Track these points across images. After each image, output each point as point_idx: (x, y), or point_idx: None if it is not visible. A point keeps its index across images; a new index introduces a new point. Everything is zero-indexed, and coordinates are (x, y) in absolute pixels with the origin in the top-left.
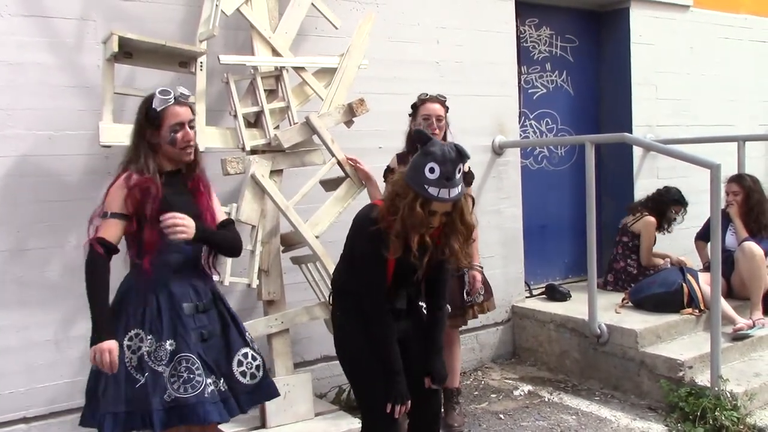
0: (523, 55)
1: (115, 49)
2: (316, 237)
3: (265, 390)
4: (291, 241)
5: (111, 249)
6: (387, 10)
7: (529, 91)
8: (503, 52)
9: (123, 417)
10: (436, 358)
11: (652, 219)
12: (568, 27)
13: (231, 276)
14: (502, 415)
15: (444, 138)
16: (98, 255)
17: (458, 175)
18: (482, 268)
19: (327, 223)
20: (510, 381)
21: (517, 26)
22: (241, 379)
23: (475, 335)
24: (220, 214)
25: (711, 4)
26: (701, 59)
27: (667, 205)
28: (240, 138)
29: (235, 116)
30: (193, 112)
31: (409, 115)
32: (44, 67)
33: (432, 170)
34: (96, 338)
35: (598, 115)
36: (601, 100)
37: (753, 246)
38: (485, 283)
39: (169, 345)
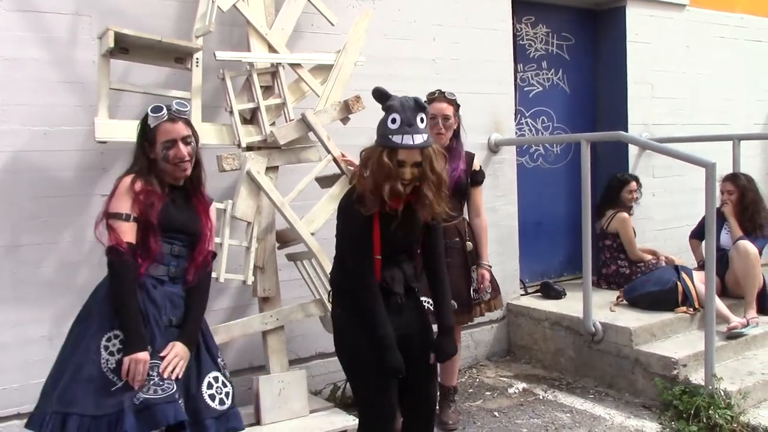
0: (520, 53)
1: (111, 44)
2: (312, 234)
3: (231, 419)
4: (286, 238)
5: (136, 251)
6: (383, 7)
7: (525, 89)
8: (499, 49)
9: (88, 421)
10: (443, 337)
11: (623, 214)
12: (564, 25)
13: (226, 273)
14: (496, 413)
15: (456, 137)
16: (127, 259)
17: (420, 124)
18: (491, 267)
19: (322, 220)
20: (505, 379)
21: (513, 24)
22: (209, 402)
23: (470, 333)
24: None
25: (707, 3)
26: (697, 58)
27: (615, 190)
28: (236, 134)
29: (231, 112)
30: (190, 125)
31: None
32: (39, 63)
33: (393, 120)
34: (131, 348)
35: (594, 114)
36: (597, 98)
37: (747, 245)
38: (493, 281)
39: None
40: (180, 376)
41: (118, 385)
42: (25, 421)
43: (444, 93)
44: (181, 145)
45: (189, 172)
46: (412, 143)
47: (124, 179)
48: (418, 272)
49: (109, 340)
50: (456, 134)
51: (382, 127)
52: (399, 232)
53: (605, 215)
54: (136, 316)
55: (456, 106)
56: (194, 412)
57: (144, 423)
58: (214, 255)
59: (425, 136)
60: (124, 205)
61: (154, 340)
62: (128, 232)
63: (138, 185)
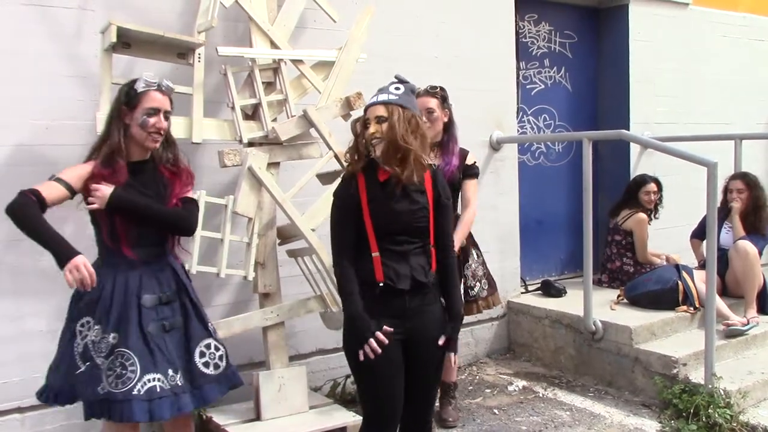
0: (522, 51)
1: (114, 39)
2: (312, 230)
3: (230, 378)
4: (287, 234)
5: (42, 202)
6: (386, 3)
7: (528, 86)
8: (502, 47)
9: (67, 394)
10: (453, 323)
11: (643, 215)
12: (567, 23)
13: (227, 268)
14: (496, 410)
15: (448, 130)
16: (28, 197)
17: (393, 89)
18: (482, 258)
19: (323, 217)
20: (504, 376)
21: (516, 22)
22: (204, 370)
23: (470, 330)
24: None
25: (710, 2)
26: (700, 57)
27: (633, 190)
28: (237, 130)
29: (233, 108)
30: (171, 106)
31: None
32: (42, 56)
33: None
34: (62, 260)
35: (596, 112)
36: (599, 96)
37: (747, 245)
38: (489, 277)
39: (112, 338)
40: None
41: (81, 369)
42: (25, 415)
43: (427, 88)
44: (162, 117)
45: (158, 145)
46: (375, 101)
47: (88, 160)
48: (430, 267)
49: (82, 325)
50: (447, 130)
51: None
52: (395, 207)
53: (620, 214)
54: (53, 233)
55: (440, 98)
56: (191, 381)
57: (98, 413)
58: (189, 200)
59: (392, 97)
60: (68, 173)
61: (129, 323)
62: (49, 189)
63: (99, 169)
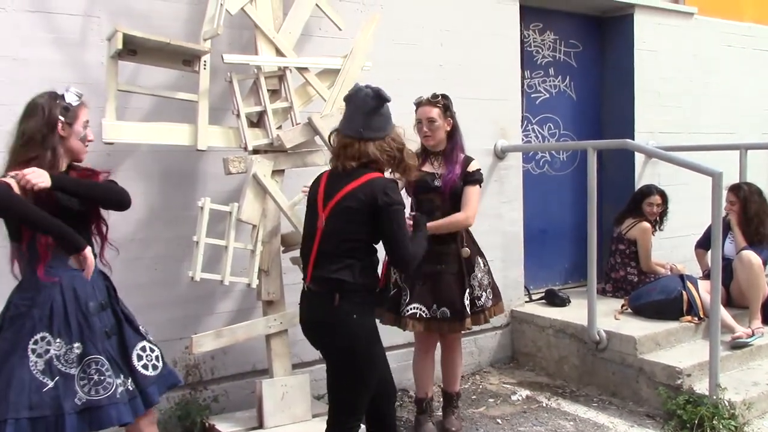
0: (527, 60)
1: (120, 46)
2: None
3: (167, 378)
4: (291, 242)
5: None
6: (391, 12)
7: (532, 95)
8: (507, 56)
9: (25, 423)
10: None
11: (646, 224)
12: (572, 32)
13: (231, 275)
14: (499, 420)
15: (451, 138)
16: (3, 183)
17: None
18: (488, 267)
19: None
20: (508, 386)
21: (521, 30)
22: (144, 372)
23: (473, 339)
24: None
25: (715, 12)
26: (704, 67)
27: (638, 201)
28: (242, 137)
29: (238, 115)
30: None
31: None
32: (48, 63)
33: None
34: (72, 248)
35: (601, 121)
36: (604, 105)
37: (751, 255)
38: (494, 286)
39: (77, 348)
40: (32, 184)
41: (49, 385)
42: None
43: (429, 97)
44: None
45: None
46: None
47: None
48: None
49: (36, 343)
50: (451, 138)
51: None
52: None
53: (624, 222)
54: (47, 218)
55: (442, 107)
56: (136, 385)
57: (86, 423)
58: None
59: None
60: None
61: (90, 330)
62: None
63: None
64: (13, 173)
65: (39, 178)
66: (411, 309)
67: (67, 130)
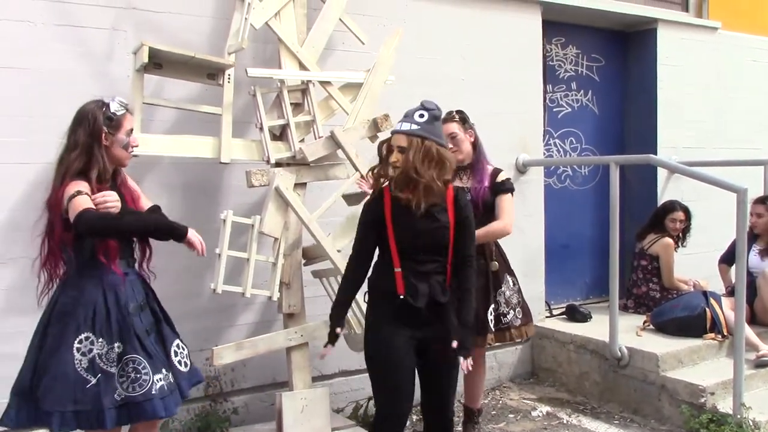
0: (549, 74)
1: (145, 59)
2: (338, 251)
3: (195, 374)
4: (313, 255)
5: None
6: (413, 26)
7: (554, 109)
8: (529, 70)
9: (69, 416)
10: (463, 330)
11: (669, 240)
12: (594, 47)
13: (252, 288)
14: None
15: (475, 149)
16: (94, 211)
17: (418, 117)
18: (518, 286)
19: (349, 238)
20: (528, 401)
21: (543, 45)
22: (180, 368)
23: (494, 354)
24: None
25: (739, 27)
26: (728, 82)
27: (661, 217)
28: (265, 150)
29: (261, 129)
30: None
31: None
32: (75, 76)
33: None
34: (179, 235)
35: (623, 136)
36: (626, 120)
37: None
38: (524, 306)
39: (117, 347)
40: (107, 207)
41: (92, 382)
42: None
43: (444, 116)
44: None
45: None
46: (399, 128)
47: (74, 183)
48: (447, 287)
49: (80, 342)
50: (476, 149)
51: None
52: (417, 226)
53: (646, 238)
54: (143, 216)
55: (460, 121)
56: (174, 379)
57: (124, 417)
58: (158, 207)
59: (414, 127)
60: (78, 187)
61: (128, 332)
62: (87, 203)
63: (88, 188)
64: (96, 196)
65: (115, 204)
66: None
67: (110, 139)
